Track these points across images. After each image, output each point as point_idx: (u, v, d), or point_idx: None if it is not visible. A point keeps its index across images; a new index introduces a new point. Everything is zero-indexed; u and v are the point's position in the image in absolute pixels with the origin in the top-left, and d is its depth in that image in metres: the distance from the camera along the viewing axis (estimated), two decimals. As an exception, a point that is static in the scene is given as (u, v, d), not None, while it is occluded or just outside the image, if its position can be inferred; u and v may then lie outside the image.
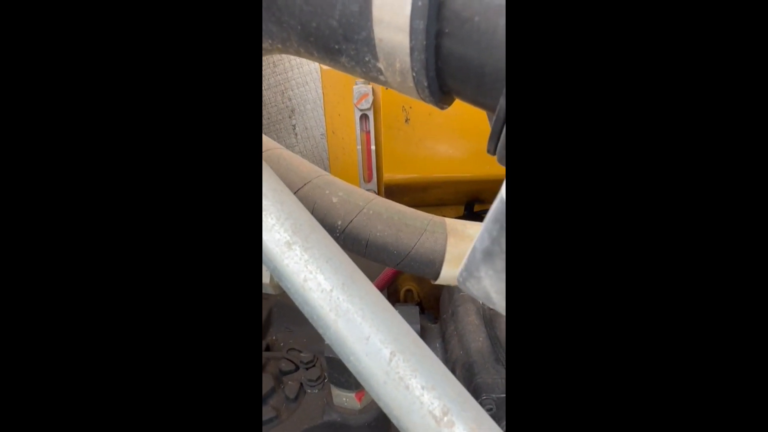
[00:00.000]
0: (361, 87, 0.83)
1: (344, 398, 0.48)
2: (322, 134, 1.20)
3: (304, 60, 1.16)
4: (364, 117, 0.88)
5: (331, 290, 0.25)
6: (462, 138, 0.68)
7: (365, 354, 0.25)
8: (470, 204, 0.86)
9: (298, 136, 1.23)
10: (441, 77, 0.26)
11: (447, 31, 0.23)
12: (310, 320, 0.26)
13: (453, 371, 0.54)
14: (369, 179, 0.93)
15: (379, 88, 0.74)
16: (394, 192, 0.79)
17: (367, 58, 0.26)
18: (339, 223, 0.42)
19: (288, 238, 0.26)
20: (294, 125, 1.20)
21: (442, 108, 0.29)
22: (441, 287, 0.84)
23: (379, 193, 0.89)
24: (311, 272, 0.26)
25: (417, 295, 0.99)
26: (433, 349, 0.64)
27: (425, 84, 0.25)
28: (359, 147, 0.90)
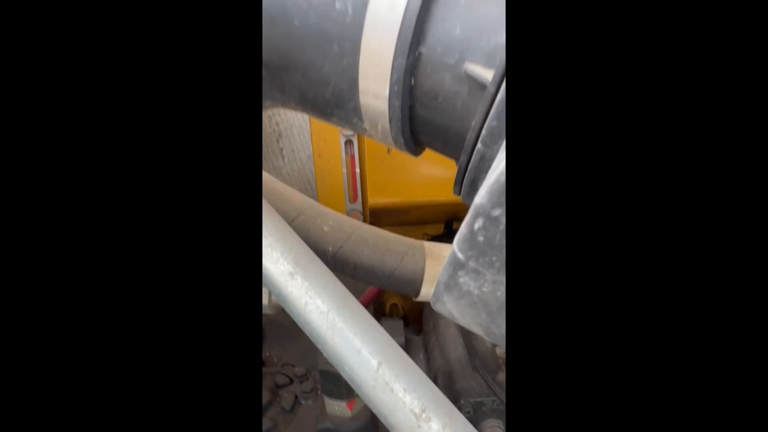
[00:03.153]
0: (345, 115, 0.89)
1: (336, 407, 0.52)
2: (308, 156, 1.25)
3: (290, 87, 1.21)
4: (348, 142, 0.94)
5: (328, 312, 0.31)
6: (439, 164, 0.74)
7: (357, 364, 0.30)
8: (449, 222, 0.92)
9: (285, 159, 1.28)
10: (414, 135, 0.32)
11: (418, 103, 0.29)
12: (310, 337, 0.32)
13: (435, 379, 0.59)
14: (354, 200, 0.99)
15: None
16: (379, 214, 0.85)
17: (354, 120, 0.32)
18: (330, 249, 0.47)
19: (291, 269, 0.32)
20: (281, 148, 1.25)
21: (415, 155, 0.36)
22: (424, 302, 0.90)
23: (364, 214, 0.95)
24: (311, 297, 0.31)
25: (402, 308, 1.04)
26: (417, 360, 0.69)
27: (402, 141, 0.31)
28: (344, 170, 0.95)
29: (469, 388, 0.54)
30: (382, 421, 0.30)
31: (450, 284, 0.20)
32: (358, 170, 0.94)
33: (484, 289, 0.19)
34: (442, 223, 0.93)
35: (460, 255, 0.18)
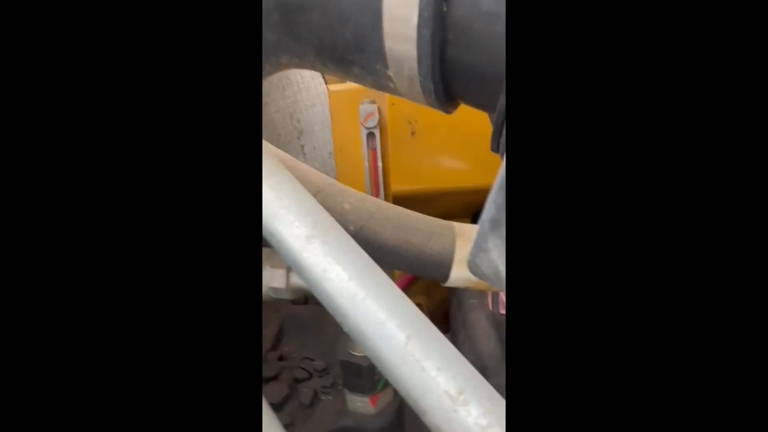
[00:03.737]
0: (367, 106, 0.86)
1: (358, 403, 0.48)
2: (330, 153, 1.23)
3: (312, 83, 1.20)
4: (370, 135, 0.91)
5: (349, 280, 0.27)
6: (466, 149, 0.70)
7: (382, 338, 0.26)
8: (476, 216, 0.87)
9: (307, 156, 1.26)
10: (446, 82, 0.28)
11: (450, 38, 0.25)
12: (329, 309, 0.28)
13: (465, 377, 0.54)
14: (376, 195, 0.96)
15: (386, 107, 0.77)
16: (402, 204, 0.81)
17: (377, 67, 0.29)
18: (351, 228, 0.44)
19: (308, 232, 0.28)
20: (302, 145, 1.24)
21: (447, 112, 0.32)
22: (449, 301, 0.85)
23: (386, 208, 0.91)
24: (330, 263, 0.27)
25: (426, 309, 1.00)
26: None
27: (431, 88, 0.28)
28: (366, 164, 0.93)
29: (503, 384, 0.49)
30: (411, 404, 0.26)
31: (499, 218, 0.16)
32: (380, 164, 0.91)
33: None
34: (469, 218, 0.89)
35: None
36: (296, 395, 0.53)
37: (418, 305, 0.87)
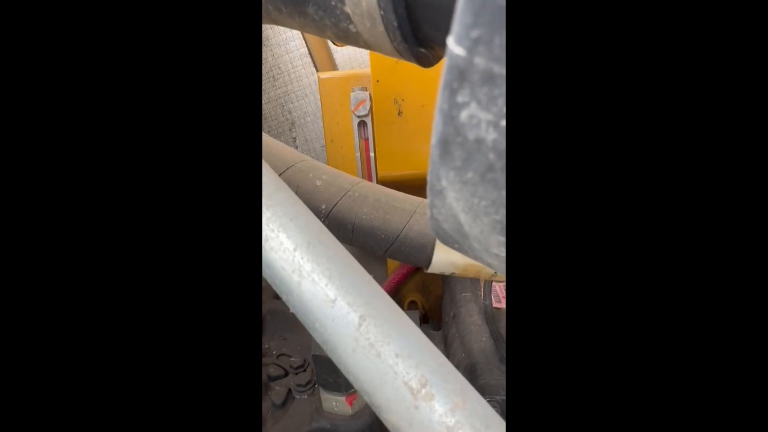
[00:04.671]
0: (358, 93, 0.82)
1: (334, 402, 0.44)
2: (322, 146, 1.19)
3: (304, 72, 1.17)
4: (362, 123, 0.87)
5: (294, 250, 0.23)
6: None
7: (331, 318, 0.22)
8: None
9: (299, 149, 1.22)
10: (413, 20, 0.24)
11: None
12: (272, 285, 0.24)
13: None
14: (369, 186, 0.92)
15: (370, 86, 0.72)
16: (391, 192, 0.77)
17: (333, 3, 0.24)
18: (323, 206, 0.40)
19: (249, 195, 0.24)
20: (294, 137, 1.20)
21: (423, 65, 0.27)
22: (443, 294, 0.80)
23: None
24: (272, 231, 0.23)
25: (422, 306, 0.95)
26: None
27: (395, 24, 0.23)
28: (358, 154, 0.89)
29: (496, 384, 0.44)
30: (366, 399, 0.21)
31: (448, 137, 0.12)
32: (372, 154, 0.87)
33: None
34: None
35: (459, 50, 0.10)
36: (268, 394, 0.48)
37: (412, 303, 0.82)
